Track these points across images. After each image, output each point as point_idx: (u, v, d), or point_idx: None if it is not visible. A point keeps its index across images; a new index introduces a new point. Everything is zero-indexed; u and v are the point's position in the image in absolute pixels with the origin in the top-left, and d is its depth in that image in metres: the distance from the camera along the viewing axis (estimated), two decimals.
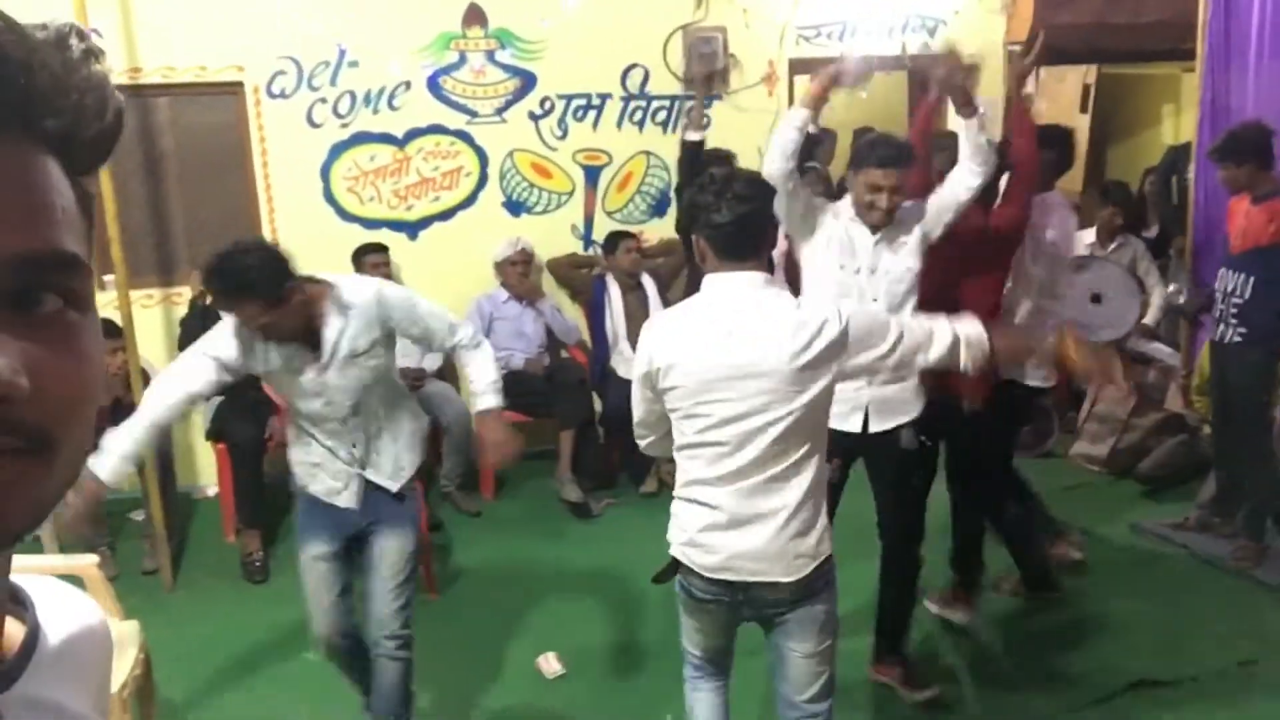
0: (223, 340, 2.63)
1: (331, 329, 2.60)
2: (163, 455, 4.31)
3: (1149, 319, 4.80)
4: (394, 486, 2.83)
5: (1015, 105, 3.67)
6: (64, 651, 0.63)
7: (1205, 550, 4.23)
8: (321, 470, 2.80)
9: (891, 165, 2.99)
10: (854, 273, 3.10)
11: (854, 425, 3.12)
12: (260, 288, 2.40)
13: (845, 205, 3.14)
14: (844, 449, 3.07)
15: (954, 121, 3.34)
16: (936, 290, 3.19)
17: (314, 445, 2.79)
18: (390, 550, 2.82)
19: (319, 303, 2.59)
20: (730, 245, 2.22)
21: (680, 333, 2.22)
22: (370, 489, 2.81)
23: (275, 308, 2.44)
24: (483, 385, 2.83)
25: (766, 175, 3.03)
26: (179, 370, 2.69)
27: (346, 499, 2.80)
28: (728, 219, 2.19)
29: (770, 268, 2.38)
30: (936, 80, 3.32)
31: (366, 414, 2.75)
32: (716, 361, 2.15)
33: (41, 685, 0.59)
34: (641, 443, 2.45)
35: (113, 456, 2.55)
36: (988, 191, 3.36)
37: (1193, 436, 5.04)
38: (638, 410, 2.37)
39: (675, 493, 2.34)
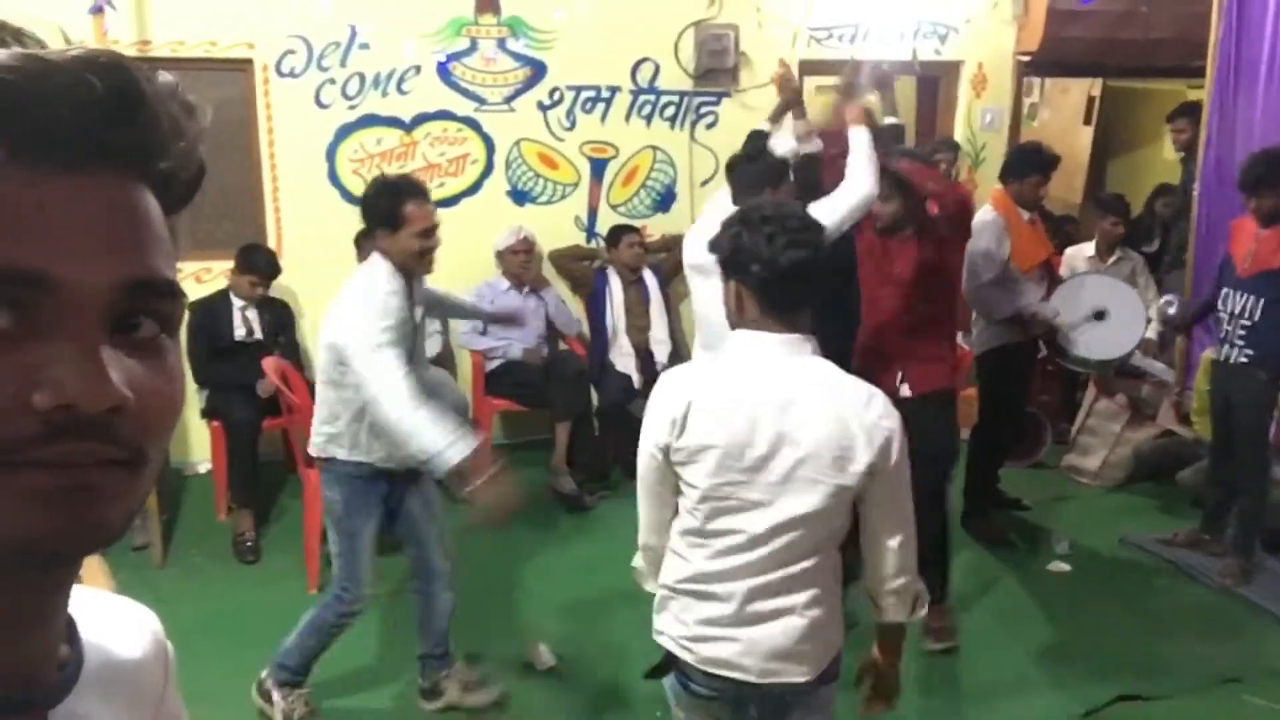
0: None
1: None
2: None
3: (1150, 334, 4.83)
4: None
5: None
6: (111, 670, 0.66)
7: (1193, 566, 4.27)
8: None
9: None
10: None
11: None
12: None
13: None
14: None
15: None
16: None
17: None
18: (421, 505, 3.12)
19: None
20: (782, 297, 1.89)
21: (715, 398, 1.88)
22: None
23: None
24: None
25: (867, 196, 3.26)
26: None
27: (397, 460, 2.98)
28: (784, 266, 1.85)
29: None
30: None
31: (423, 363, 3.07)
32: (761, 439, 1.84)
33: (86, 703, 0.62)
34: (643, 557, 2.10)
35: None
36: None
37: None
38: (648, 498, 2.01)
39: (666, 582, 2.02)
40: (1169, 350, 5.19)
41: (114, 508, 0.54)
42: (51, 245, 0.51)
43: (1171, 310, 4.72)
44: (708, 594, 1.93)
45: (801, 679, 1.94)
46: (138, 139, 0.54)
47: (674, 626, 1.99)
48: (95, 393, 0.51)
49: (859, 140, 3.36)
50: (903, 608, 2.01)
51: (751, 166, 3.67)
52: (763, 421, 1.83)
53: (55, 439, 0.50)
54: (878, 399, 1.88)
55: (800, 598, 1.90)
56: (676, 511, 1.98)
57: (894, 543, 1.94)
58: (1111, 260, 5.40)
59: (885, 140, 3.69)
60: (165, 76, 0.56)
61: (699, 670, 1.96)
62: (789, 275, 1.85)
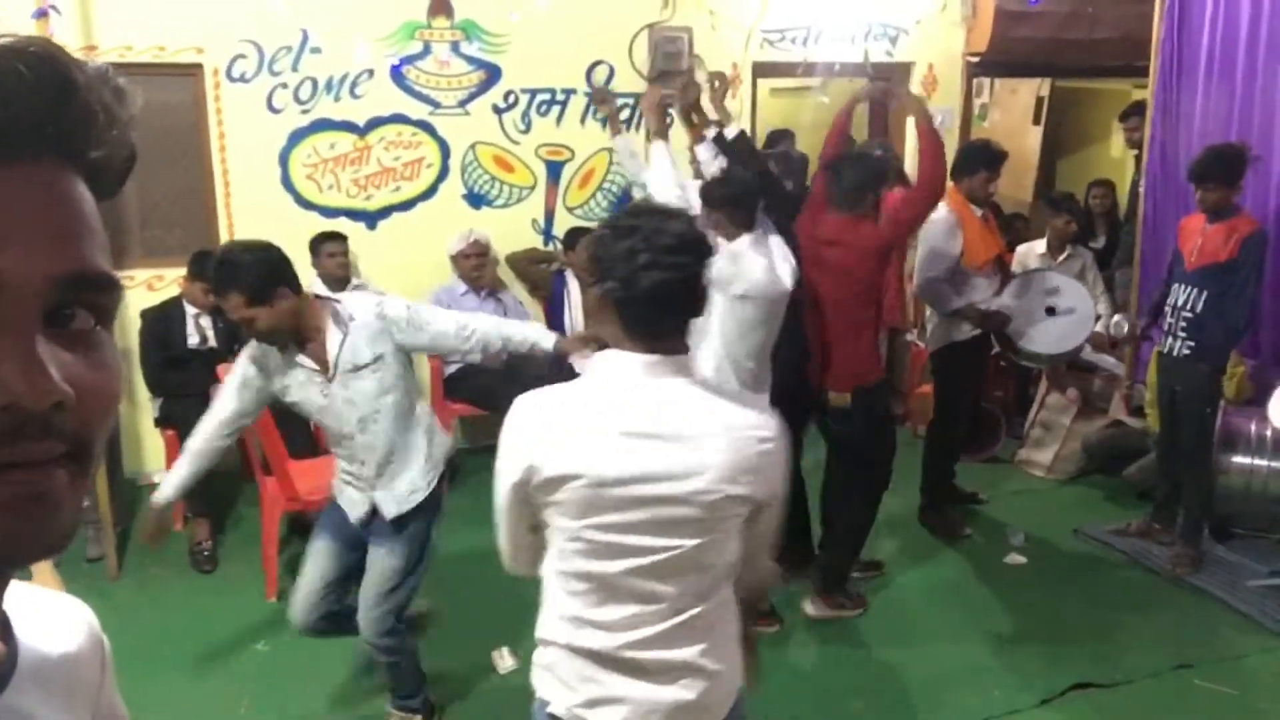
0: (240, 364, 2.83)
1: (332, 342, 2.70)
2: (109, 440, 4.24)
3: (1100, 327, 4.92)
4: (394, 511, 2.86)
5: (920, 127, 3.86)
6: (48, 665, 0.66)
7: (1145, 556, 4.35)
8: (348, 487, 2.92)
9: None
10: None
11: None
12: (244, 283, 2.54)
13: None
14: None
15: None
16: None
17: (340, 463, 2.92)
18: (376, 563, 2.89)
19: (314, 314, 2.69)
20: (637, 320, 1.65)
21: (574, 429, 1.64)
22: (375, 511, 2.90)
23: (256, 305, 2.56)
24: (533, 333, 2.96)
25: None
26: (214, 405, 2.91)
27: (356, 514, 2.91)
28: (642, 286, 1.61)
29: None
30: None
31: (374, 433, 2.79)
32: (629, 469, 1.60)
33: (25, 698, 0.62)
34: (509, 562, 1.87)
35: (168, 488, 2.88)
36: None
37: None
38: (507, 532, 1.79)
39: (545, 635, 1.75)
40: (1120, 345, 5.28)
41: (65, 512, 0.54)
42: None
43: (1124, 330, 4.80)
44: (595, 648, 1.68)
45: None
46: (71, 127, 0.53)
47: (562, 694, 1.72)
48: (38, 389, 0.50)
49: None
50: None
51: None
52: (630, 451, 1.60)
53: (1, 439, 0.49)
54: (759, 421, 1.68)
55: (701, 643, 1.68)
56: (544, 548, 1.74)
57: (767, 559, 1.84)
58: (1063, 257, 5.49)
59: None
60: (95, 63, 0.55)
61: None
62: (645, 298, 1.61)
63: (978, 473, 5.22)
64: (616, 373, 1.66)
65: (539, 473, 1.63)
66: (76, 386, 0.52)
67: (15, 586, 0.64)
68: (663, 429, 1.61)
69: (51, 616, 0.69)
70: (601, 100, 4.32)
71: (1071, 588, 4.16)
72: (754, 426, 1.65)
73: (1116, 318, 4.94)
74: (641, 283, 1.60)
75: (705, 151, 3.99)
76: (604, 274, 1.65)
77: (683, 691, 1.67)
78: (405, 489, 2.86)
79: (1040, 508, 4.98)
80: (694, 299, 1.67)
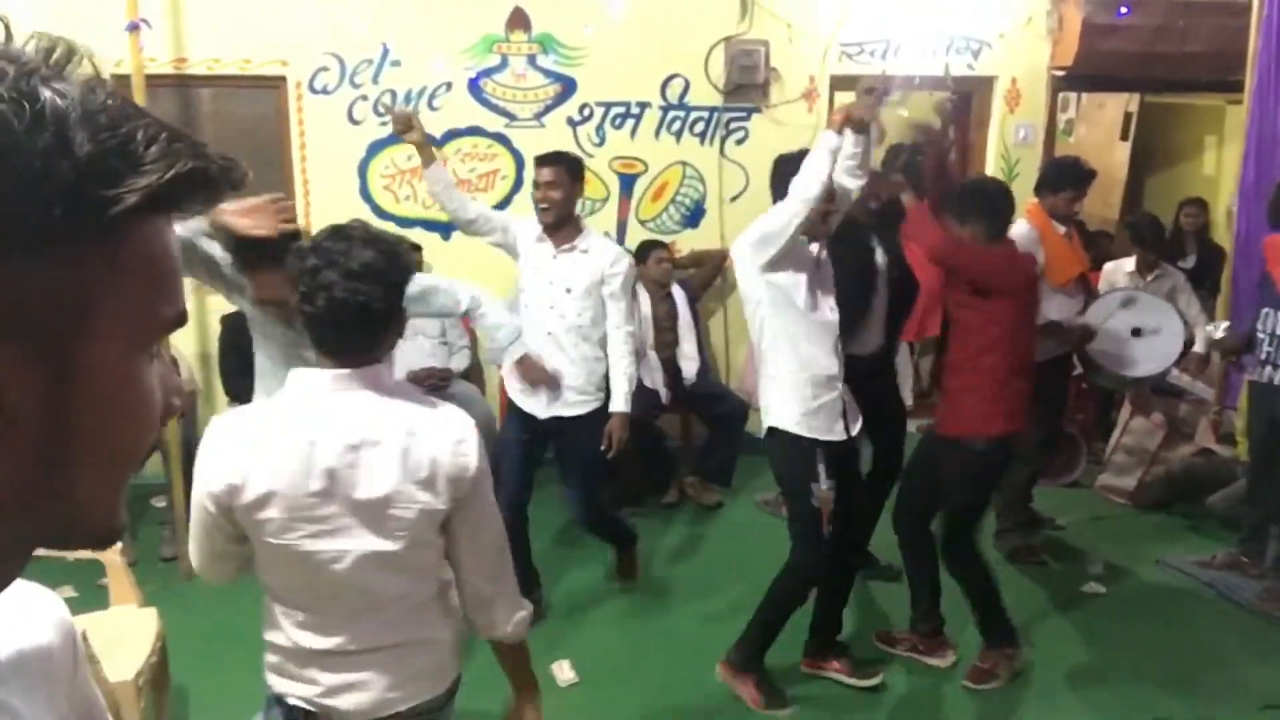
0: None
1: None
2: (186, 441, 4.34)
3: (1198, 349, 4.72)
4: None
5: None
6: (22, 656, 0.67)
7: (1231, 590, 4.17)
8: None
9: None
10: None
11: (839, 433, 3.25)
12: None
13: None
14: (835, 458, 3.23)
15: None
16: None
17: None
18: None
19: None
20: (318, 336, 1.72)
21: (269, 446, 1.68)
22: None
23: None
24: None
25: (805, 199, 3.02)
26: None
27: None
28: (319, 304, 1.67)
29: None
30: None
31: None
32: (320, 482, 1.67)
33: (2, 690, 0.64)
34: (201, 572, 1.90)
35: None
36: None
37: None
38: (203, 546, 1.81)
39: (266, 636, 1.86)
40: (1209, 369, 5.08)
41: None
42: (180, 285, 0.59)
43: (1219, 334, 4.61)
44: (303, 649, 1.78)
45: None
46: (208, 195, 0.60)
47: (288, 688, 1.83)
48: (184, 393, 0.62)
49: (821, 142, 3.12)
50: (506, 624, 1.86)
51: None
52: (318, 461, 1.66)
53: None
54: (452, 428, 1.73)
55: (397, 645, 1.77)
56: (250, 556, 1.80)
57: (480, 577, 1.82)
58: (1151, 277, 5.31)
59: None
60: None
61: None
62: (324, 316, 1.67)
63: (1056, 498, 5.07)
64: (306, 388, 1.73)
65: (240, 492, 1.68)
66: None
67: None
68: (349, 439, 1.67)
69: (21, 609, 0.70)
70: (405, 127, 3.64)
71: (1152, 620, 4.01)
72: (442, 432, 1.72)
73: (1213, 324, 4.74)
74: (318, 301, 1.67)
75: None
76: (300, 285, 1.71)
77: (388, 692, 1.77)
78: None
79: (1121, 535, 4.81)
80: (376, 322, 1.71)
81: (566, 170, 3.68)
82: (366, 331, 1.71)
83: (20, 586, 0.72)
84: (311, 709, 1.80)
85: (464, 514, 1.76)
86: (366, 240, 1.75)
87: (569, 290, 3.67)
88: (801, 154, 3.22)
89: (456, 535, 1.78)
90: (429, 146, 3.75)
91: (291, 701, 1.82)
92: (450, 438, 1.72)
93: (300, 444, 1.67)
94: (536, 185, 3.71)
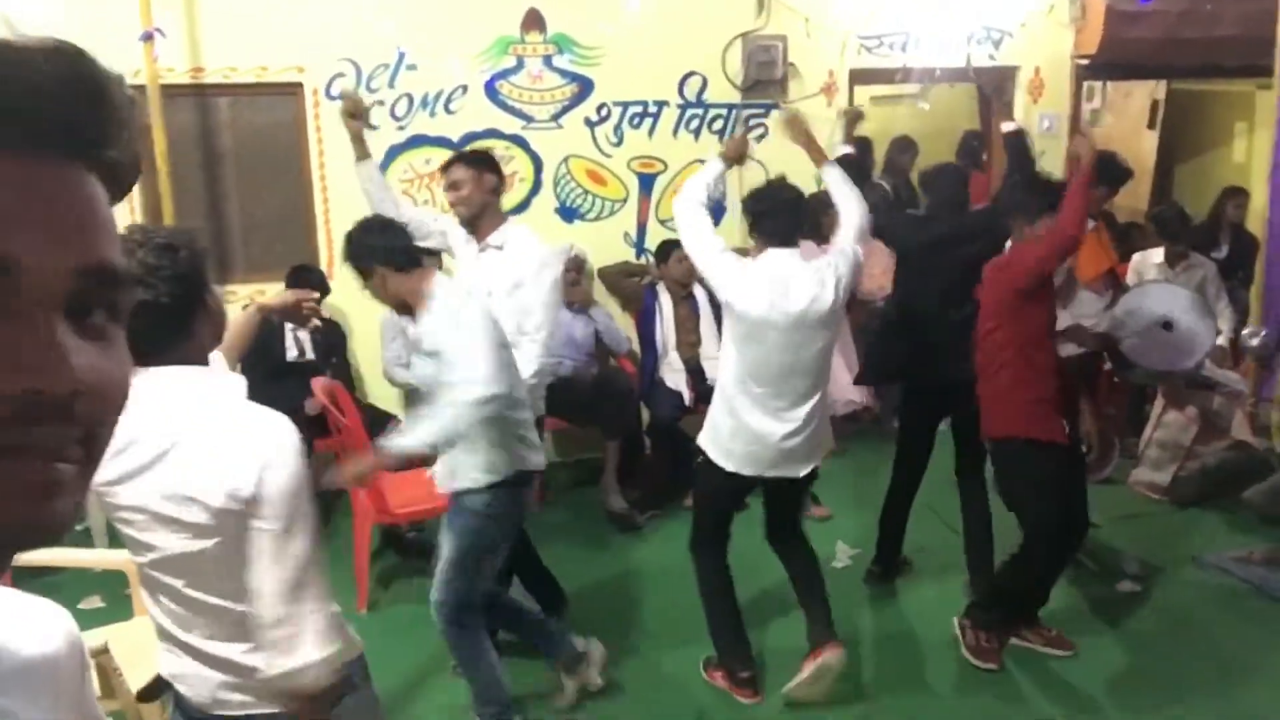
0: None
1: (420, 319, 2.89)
2: None
3: (1222, 341, 4.63)
4: (442, 479, 3.05)
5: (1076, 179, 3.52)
6: (29, 666, 0.67)
7: (1271, 587, 4.07)
8: None
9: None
10: None
11: None
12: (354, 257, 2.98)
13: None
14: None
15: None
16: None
17: None
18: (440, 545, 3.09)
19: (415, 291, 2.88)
20: (134, 335, 1.76)
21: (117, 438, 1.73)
22: None
23: (365, 278, 2.96)
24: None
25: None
26: None
27: None
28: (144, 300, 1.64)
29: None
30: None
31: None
32: (140, 477, 1.69)
33: (7, 699, 0.64)
34: None
35: None
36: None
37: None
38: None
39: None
40: (1242, 360, 4.98)
41: (71, 502, 0.55)
42: (13, 228, 0.51)
43: (1255, 341, 4.51)
44: (163, 631, 1.87)
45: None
46: (97, 125, 0.55)
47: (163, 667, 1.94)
48: (61, 375, 0.52)
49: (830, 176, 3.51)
50: (282, 653, 1.74)
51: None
52: (124, 457, 1.67)
53: (18, 422, 0.50)
54: (261, 426, 1.74)
55: (229, 641, 1.78)
56: None
57: (270, 582, 1.74)
58: (1181, 268, 5.21)
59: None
60: (112, 69, 0.57)
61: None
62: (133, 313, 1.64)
63: (1089, 495, 4.97)
64: (143, 384, 1.75)
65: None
66: (92, 378, 0.54)
67: None
68: (144, 436, 1.67)
69: (30, 620, 0.70)
70: (354, 113, 3.64)
71: (1189, 619, 3.92)
72: (251, 432, 1.72)
73: (1249, 329, 4.64)
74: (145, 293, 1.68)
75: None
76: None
77: (221, 691, 1.81)
78: (445, 469, 3.03)
79: (1156, 532, 4.72)
80: (159, 324, 1.68)
81: (467, 165, 3.54)
82: (159, 329, 1.70)
83: (30, 600, 0.74)
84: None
85: (262, 530, 1.72)
86: (166, 243, 1.73)
87: (490, 294, 3.40)
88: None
89: (256, 550, 1.74)
90: (364, 142, 3.76)
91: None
92: (256, 442, 1.71)
93: (130, 442, 1.69)
94: (445, 191, 3.63)
